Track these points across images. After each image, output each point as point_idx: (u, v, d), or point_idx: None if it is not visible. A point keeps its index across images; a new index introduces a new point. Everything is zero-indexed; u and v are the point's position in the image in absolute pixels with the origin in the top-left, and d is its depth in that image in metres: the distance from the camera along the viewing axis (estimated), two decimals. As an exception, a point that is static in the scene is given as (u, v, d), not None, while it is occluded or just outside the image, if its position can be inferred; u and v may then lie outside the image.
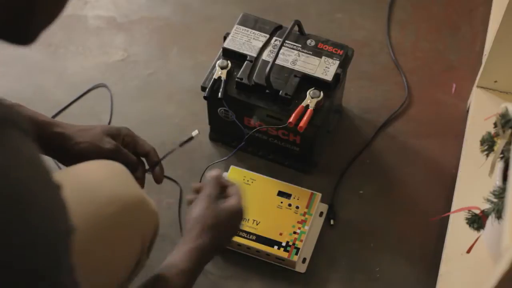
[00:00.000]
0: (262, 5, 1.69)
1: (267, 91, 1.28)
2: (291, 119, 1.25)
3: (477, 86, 1.46)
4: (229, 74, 1.31)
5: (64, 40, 1.60)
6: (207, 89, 1.30)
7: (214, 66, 1.32)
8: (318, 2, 1.72)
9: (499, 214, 1.05)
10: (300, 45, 1.34)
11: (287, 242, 1.25)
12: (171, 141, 1.44)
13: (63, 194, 0.58)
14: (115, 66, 1.58)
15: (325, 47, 1.33)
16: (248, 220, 1.26)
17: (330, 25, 1.66)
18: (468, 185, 1.31)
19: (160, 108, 1.51)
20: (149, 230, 0.95)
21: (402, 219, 1.35)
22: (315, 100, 1.27)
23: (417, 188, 1.39)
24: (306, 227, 1.26)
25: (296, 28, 1.34)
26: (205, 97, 1.31)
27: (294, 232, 1.26)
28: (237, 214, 1.00)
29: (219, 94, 1.29)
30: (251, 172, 1.34)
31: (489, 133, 1.15)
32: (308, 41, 1.34)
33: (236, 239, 1.24)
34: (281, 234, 1.26)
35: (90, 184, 0.90)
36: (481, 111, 1.37)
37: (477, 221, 1.10)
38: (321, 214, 1.32)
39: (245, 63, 1.31)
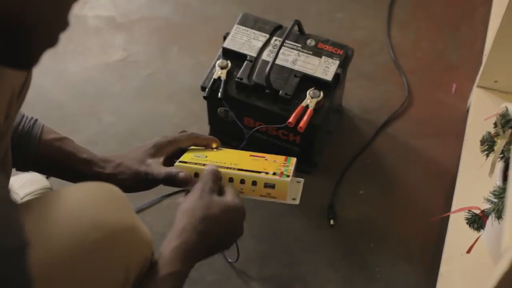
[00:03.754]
0: (262, 5, 1.69)
1: (267, 91, 1.28)
2: (291, 119, 1.25)
3: (477, 86, 1.46)
4: (229, 74, 1.31)
5: (64, 40, 1.58)
6: (207, 89, 1.30)
7: (214, 66, 1.32)
8: (318, 2, 1.72)
9: (499, 214, 1.05)
10: (300, 45, 1.34)
11: (274, 172, 1.05)
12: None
13: (16, 211, 0.58)
14: (115, 66, 1.58)
15: (325, 47, 1.33)
16: (225, 162, 1.06)
17: (330, 25, 1.66)
18: (468, 185, 1.31)
19: (160, 108, 1.51)
20: (136, 260, 0.87)
21: (402, 219, 1.35)
22: (315, 100, 1.27)
23: (417, 188, 1.39)
24: (291, 167, 1.08)
25: (296, 28, 1.34)
26: (205, 97, 1.31)
27: (279, 169, 1.07)
28: (234, 211, 0.94)
29: (219, 94, 1.29)
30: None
31: (489, 133, 1.15)
32: (308, 41, 1.34)
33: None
34: (265, 168, 1.06)
35: (76, 206, 0.84)
36: (481, 111, 1.37)
37: (477, 221, 1.10)
38: (298, 182, 1.12)
39: (245, 63, 1.31)
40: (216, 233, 0.93)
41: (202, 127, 1.45)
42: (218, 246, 0.95)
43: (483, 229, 1.11)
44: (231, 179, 1.03)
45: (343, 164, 1.42)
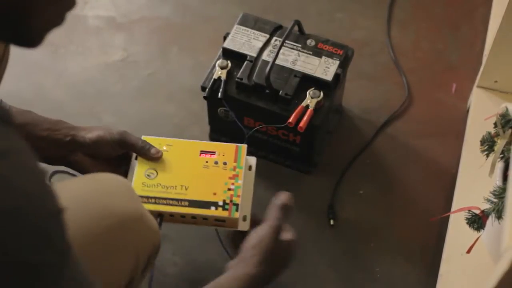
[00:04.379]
0: (262, 5, 1.69)
1: (267, 91, 1.28)
2: (291, 119, 1.25)
3: (477, 86, 1.46)
4: (229, 74, 1.31)
5: (64, 40, 1.60)
6: (207, 89, 1.30)
7: (214, 66, 1.32)
8: (318, 2, 1.72)
9: (499, 214, 1.05)
10: (300, 45, 1.34)
11: (224, 201, 1.10)
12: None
13: (47, 180, 0.60)
14: (115, 66, 1.58)
15: (325, 47, 1.33)
16: (176, 187, 1.11)
17: (330, 25, 1.66)
18: (468, 185, 1.31)
19: (160, 108, 1.51)
20: (146, 248, 0.93)
21: (402, 219, 1.35)
22: (315, 100, 1.27)
23: (417, 188, 1.39)
24: (240, 181, 1.12)
25: (296, 28, 1.34)
26: (205, 97, 1.31)
27: (229, 189, 1.11)
28: (294, 250, 1.01)
29: (219, 94, 1.29)
30: (165, 138, 1.18)
31: (489, 133, 1.15)
32: (308, 41, 1.34)
33: (166, 208, 1.09)
34: (215, 194, 1.10)
35: (87, 196, 0.89)
36: (481, 111, 1.37)
37: (477, 221, 1.10)
38: (250, 168, 1.17)
39: (245, 63, 1.31)
40: (276, 271, 0.99)
41: (202, 127, 1.45)
42: (270, 282, 1.00)
43: (483, 229, 1.11)
44: (183, 217, 1.10)
45: (343, 164, 1.42)
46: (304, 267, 1.28)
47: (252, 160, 1.18)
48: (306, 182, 1.39)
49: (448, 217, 1.28)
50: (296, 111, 1.26)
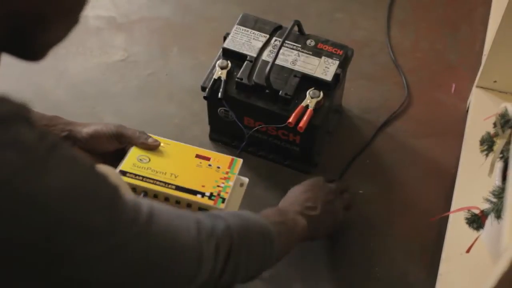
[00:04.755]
0: (262, 5, 1.69)
1: (267, 91, 1.28)
2: (291, 119, 1.25)
3: (477, 86, 1.46)
4: (229, 74, 1.31)
5: (64, 40, 1.60)
6: (207, 89, 1.30)
7: (214, 66, 1.33)
8: (318, 2, 1.72)
9: (498, 214, 1.05)
10: (300, 45, 1.34)
11: (211, 193, 1.10)
12: (171, 141, 1.44)
13: (97, 168, 0.68)
14: (115, 66, 1.59)
15: (325, 47, 1.34)
16: (165, 173, 1.11)
17: (330, 25, 1.66)
18: (468, 185, 1.31)
19: (160, 108, 1.51)
20: None
21: (402, 219, 1.35)
22: (315, 100, 1.27)
23: (417, 188, 1.39)
24: (231, 183, 1.12)
25: (296, 28, 1.34)
26: (205, 97, 1.31)
27: (218, 186, 1.11)
28: (338, 214, 1.16)
29: (219, 94, 1.29)
30: (164, 138, 1.20)
31: (488, 133, 1.15)
32: (308, 41, 1.35)
33: (151, 187, 1.09)
34: (203, 186, 1.11)
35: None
36: (481, 111, 1.37)
37: (476, 221, 1.10)
38: (241, 185, 1.18)
39: (245, 63, 1.31)
40: (320, 224, 1.12)
41: (202, 127, 1.45)
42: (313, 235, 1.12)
43: (483, 228, 1.11)
44: (166, 199, 1.09)
45: (343, 164, 1.42)
46: (303, 267, 1.28)
47: (245, 179, 1.19)
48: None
49: (447, 216, 1.28)
50: (296, 111, 1.26)
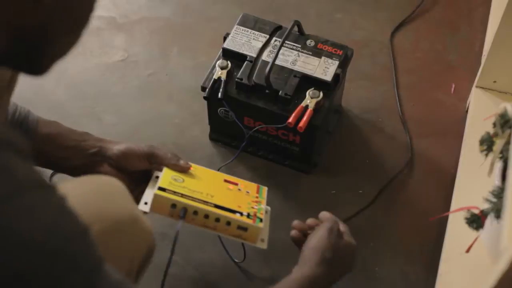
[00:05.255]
0: (262, 5, 1.70)
1: (267, 91, 1.28)
2: (290, 119, 1.25)
3: (476, 86, 1.46)
4: (229, 74, 1.31)
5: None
6: (207, 89, 1.30)
7: (214, 66, 1.33)
8: (318, 2, 1.72)
9: (498, 214, 1.05)
10: (299, 46, 1.34)
11: (248, 213, 1.10)
12: (171, 141, 1.44)
13: (68, 203, 0.61)
14: (115, 66, 1.59)
15: (325, 47, 1.34)
16: (202, 192, 1.09)
17: (330, 25, 1.66)
18: (467, 185, 1.31)
19: (160, 108, 1.51)
20: (140, 250, 0.91)
21: (402, 219, 1.35)
22: (314, 100, 1.27)
23: (417, 188, 1.40)
24: (263, 206, 1.13)
25: (296, 28, 1.34)
26: (205, 97, 1.31)
27: (252, 208, 1.12)
28: (354, 253, 1.04)
29: (219, 94, 1.29)
30: (191, 163, 1.18)
31: (488, 133, 1.15)
32: (308, 42, 1.35)
33: (192, 203, 1.07)
34: (239, 206, 1.10)
35: (81, 198, 0.85)
36: (480, 111, 1.37)
37: (476, 220, 1.10)
38: (266, 211, 1.17)
39: (245, 63, 1.32)
40: (337, 272, 1.02)
41: (202, 127, 1.45)
42: (333, 283, 1.02)
43: (482, 228, 1.11)
44: (206, 216, 1.07)
45: (343, 164, 1.42)
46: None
47: (268, 208, 1.18)
48: (306, 182, 1.39)
49: (447, 216, 1.28)
50: (296, 111, 1.26)
